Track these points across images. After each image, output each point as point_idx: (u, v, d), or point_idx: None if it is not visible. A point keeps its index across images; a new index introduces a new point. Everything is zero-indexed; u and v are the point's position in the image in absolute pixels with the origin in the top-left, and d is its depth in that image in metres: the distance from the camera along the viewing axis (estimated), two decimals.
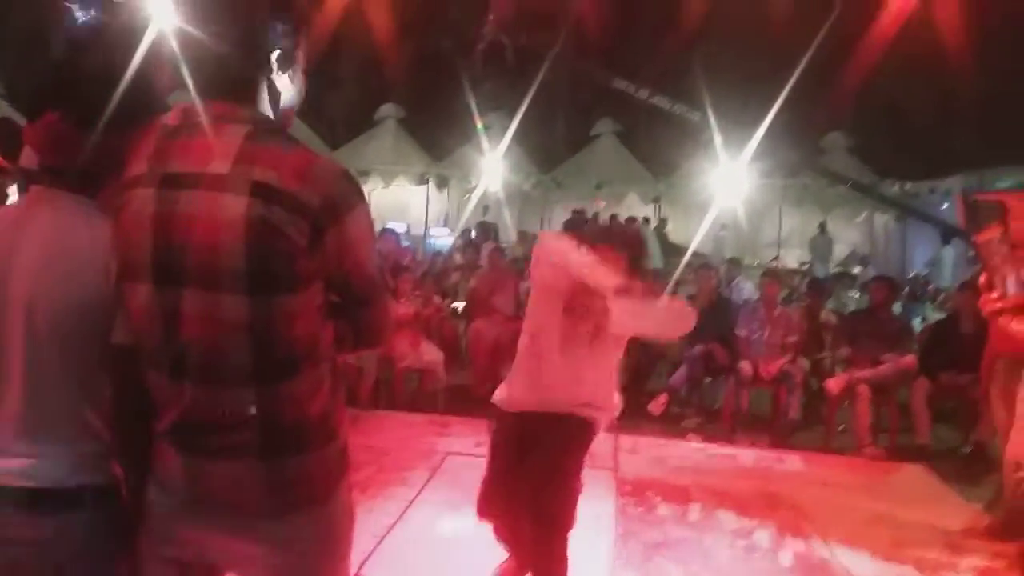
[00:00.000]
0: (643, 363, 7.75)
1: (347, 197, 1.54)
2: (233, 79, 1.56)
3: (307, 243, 1.48)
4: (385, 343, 1.76)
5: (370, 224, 1.63)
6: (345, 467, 1.70)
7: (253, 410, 1.52)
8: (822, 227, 16.89)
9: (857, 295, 11.24)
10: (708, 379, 7.37)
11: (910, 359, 6.62)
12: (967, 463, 6.18)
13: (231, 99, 1.55)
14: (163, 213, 1.49)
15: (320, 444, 1.61)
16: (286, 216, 1.46)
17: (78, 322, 1.56)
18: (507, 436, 3.33)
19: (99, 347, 1.58)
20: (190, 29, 1.53)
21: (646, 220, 16.12)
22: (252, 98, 1.58)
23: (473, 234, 14.60)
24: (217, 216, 1.46)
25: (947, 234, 14.89)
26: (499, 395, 3.40)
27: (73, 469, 1.58)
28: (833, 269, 15.84)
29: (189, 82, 1.55)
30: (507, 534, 3.40)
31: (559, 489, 3.13)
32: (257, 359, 1.50)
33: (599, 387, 3.26)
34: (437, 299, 7.72)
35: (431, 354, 6.95)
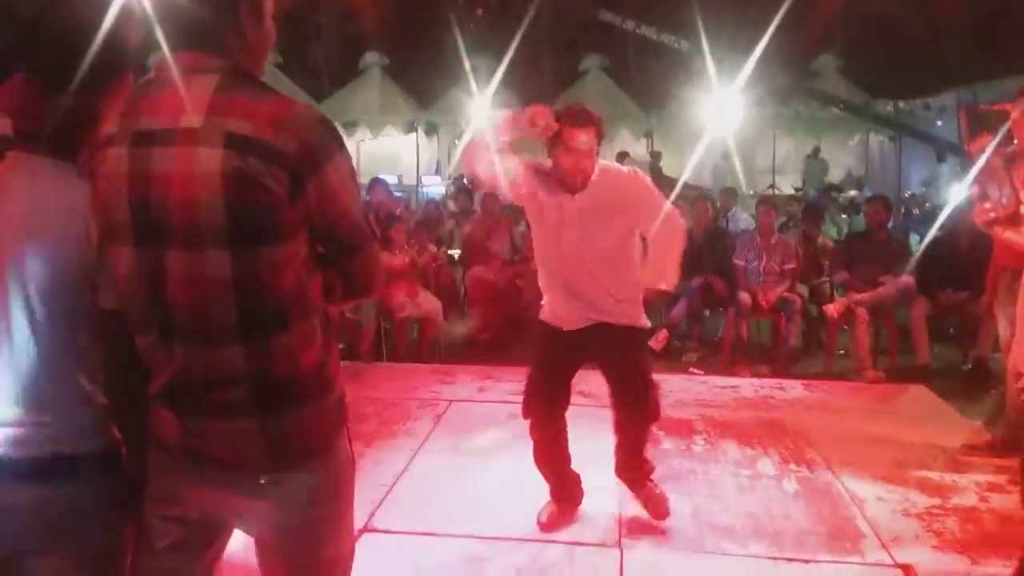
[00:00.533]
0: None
1: (326, 144, 1.51)
2: (199, 27, 1.51)
3: (287, 193, 1.45)
4: (375, 291, 1.74)
5: (351, 170, 1.59)
6: (343, 419, 1.70)
7: (243, 367, 1.51)
8: (815, 151, 16.78)
9: (848, 218, 11.22)
10: (707, 311, 7.39)
11: (907, 279, 6.61)
12: (967, 380, 6.23)
13: (199, 48, 1.51)
14: (138, 172, 1.47)
15: (316, 396, 1.60)
16: (263, 167, 1.43)
17: (63, 287, 1.54)
18: (558, 349, 3.57)
19: (87, 311, 1.56)
20: None
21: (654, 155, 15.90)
22: (220, 46, 1.53)
23: (465, 180, 14.49)
24: (193, 171, 1.43)
25: (942, 151, 14.82)
26: (547, 315, 3.58)
27: (70, 436, 1.57)
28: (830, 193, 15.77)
29: (157, 34, 1.52)
30: (546, 449, 3.70)
31: (648, 387, 3.63)
32: (245, 314, 1.49)
33: (623, 289, 3.46)
34: (432, 247, 7.70)
35: (429, 303, 6.95)
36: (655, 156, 16.54)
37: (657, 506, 3.76)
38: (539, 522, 3.71)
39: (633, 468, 3.81)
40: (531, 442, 3.67)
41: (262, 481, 1.58)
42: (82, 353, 1.57)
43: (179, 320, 1.50)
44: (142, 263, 1.48)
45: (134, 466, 1.63)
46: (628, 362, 3.61)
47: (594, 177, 3.35)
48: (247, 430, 1.55)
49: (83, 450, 1.58)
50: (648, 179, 3.48)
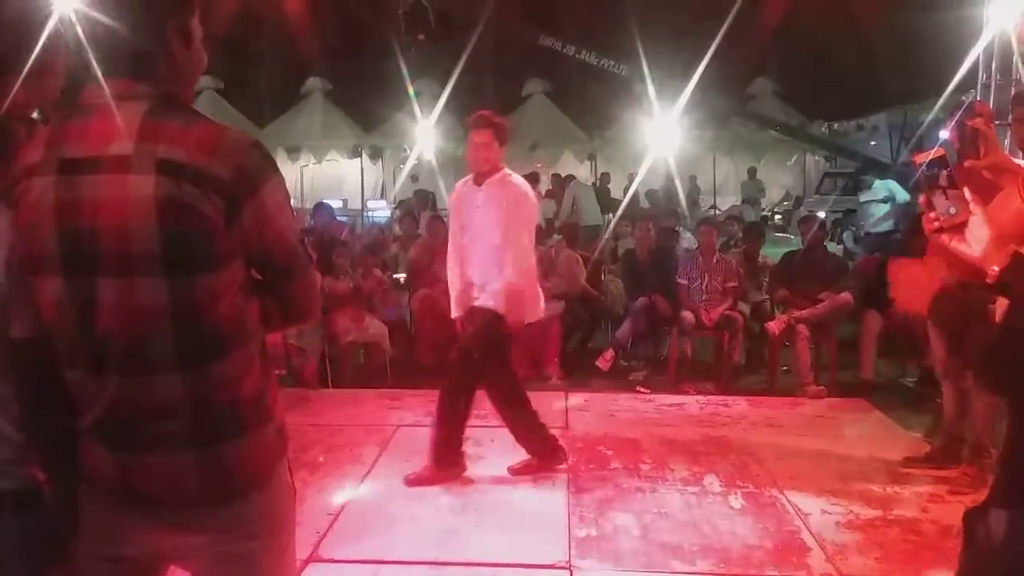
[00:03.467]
0: (587, 321, 7.80)
1: (260, 168, 1.49)
2: (126, 54, 1.48)
3: (223, 218, 1.43)
4: (313, 316, 1.72)
5: (286, 194, 1.58)
6: (283, 448, 1.66)
7: (181, 397, 1.47)
8: (751, 172, 17.13)
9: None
10: (652, 331, 7.45)
11: (846, 296, 6.75)
12: (907, 394, 6.36)
13: (127, 76, 1.48)
14: (65, 201, 1.42)
15: (255, 426, 1.57)
16: (197, 192, 1.40)
17: None
18: None
19: None
20: (80, 6, 1.45)
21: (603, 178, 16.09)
22: (149, 73, 1.49)
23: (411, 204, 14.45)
24: (124, 198, 1.40)
25: (874, 170, 15.20)
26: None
27: None
28: (765, 212, 16.11)
29: (87, 60, 1.48)
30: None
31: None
32: (182, 343, 1.45)
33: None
34: (377, 272, 7.63)
35: (375, 327, 6.89)
36: (604, 179, 16.73)
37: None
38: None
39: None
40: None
41: (201, 515, 1.53)
42: None
43: (111, 351, 1.45)
44: (70, 293, 1.44)
45: (60, 505, 1.56)
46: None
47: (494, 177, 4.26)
48: (183, 463, 1.50)
49: None
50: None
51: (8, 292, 1.48)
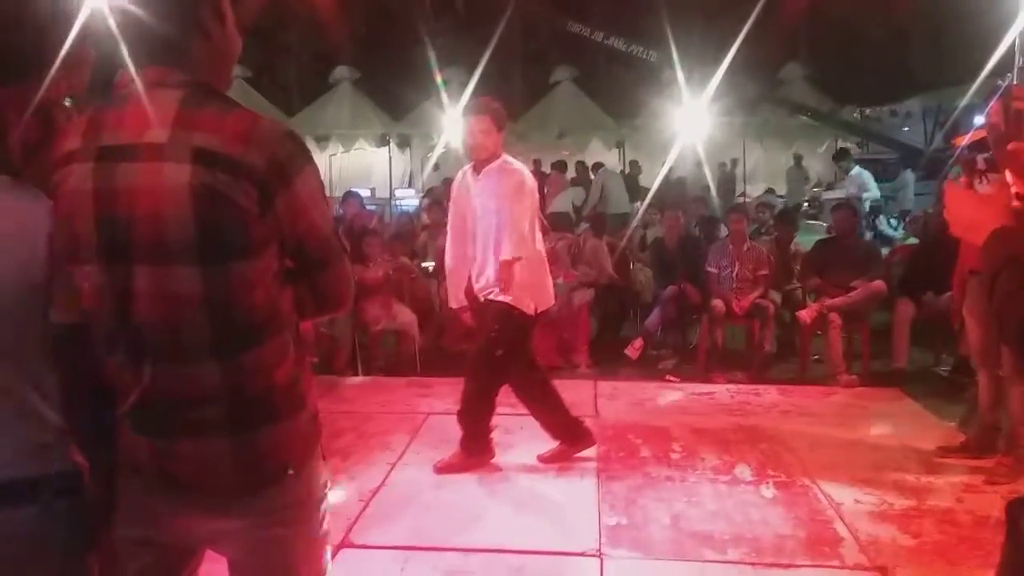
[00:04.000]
0: (617, 309, 7.78)
1: (294, 158, 1.49)
2: (162, 42, 1.48)
3: (257, 207, 1.43)
4: (346, 306, 1.73)
5: (320, 184, 1.58)
6: (317, 435, 1.67)
7: (218, 384, 1.48)
8: (798, 160, 16.89)
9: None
10: (681, 319, 7.41)
11: (879, 284, 6.66)
12: (941, 383, 6.28)
13: (163, 63, 1.49)
14: (103, 188, 1.44)
15: (289, 413, 1.58)
16: (232, 181, 1.41)
17: (11, 304, 1.48)
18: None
19: (38, 329, 1.51)
20: None
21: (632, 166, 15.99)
22: (186, 61, 1.50)
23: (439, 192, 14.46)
24: (160, 187, 1.41)
25: (908, 157, 14.99)
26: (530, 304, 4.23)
27: (24, 459, 1.50)
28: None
29: (120, 49, 1.48)
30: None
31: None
32: (217, 331, 1.46)
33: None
34: (406, 260, 7.65)
35: (404, 316, 6.91)
36: (633, 166, 16.61)
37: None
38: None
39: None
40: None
41: (235, 501, 1.55)
42: (34, 372, 1.52)
43: (148, 338, 1.46)
44: (108, 280, 1.45)
45: (99, 489, 1.58)
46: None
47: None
48: (219, 449, 1.51)
49: (39, 473, 1.51)
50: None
51: (49, 279, 1.50)
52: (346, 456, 4.66)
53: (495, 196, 4.17)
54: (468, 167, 4.38)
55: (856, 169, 12.54)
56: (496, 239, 4.16)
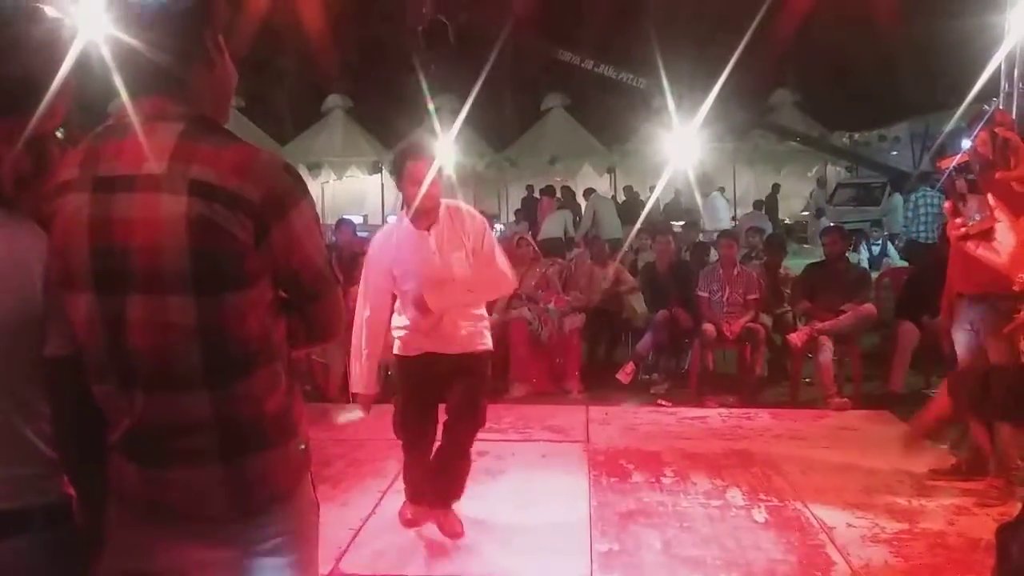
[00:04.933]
0: (609, 334, 7.79)
1: (290, 191, 1.51)
2: (163, 73, 1.50)
3: (252, 239, 1.45)
4: (337, 336, 1.74)
5: (315, 217, 1.60)
6: (307, 463, 1.68)
7: (209, 413, 1.49)
8: (775, 189, 17.03)
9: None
10: (673, 344, 7.42)
11: (869, 307, 6.70)
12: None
13: (162, 95, 1.50)
14: (99, 218, 1.45)
15: (280, 442, 1.58)
16: (228, 213, 1.42)
17: (4, 334, 1.49)
18: None
19: (31, 360, 1.52)
20: (113, 28, 1.47)
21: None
22: (185, 92, 1.52)
23: None
24: (156, 217, 1.42)
25: (897, 180, 15.10)
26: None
27: (15, 490, 1.51)
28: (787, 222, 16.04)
29: (118, 79, 1.50)
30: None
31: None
32: (209, 361, 1.47)
33: None
34: None
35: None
36: (628, 191, 16.69)
37: (452, 527, 3.84)
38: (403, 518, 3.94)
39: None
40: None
41: (226, 529, 1.55)
42: (26, 403, 1.53)
43: (140, 367, 1.47)
44: (102, 310, 1.46)
45: (89, 520, 1.58)
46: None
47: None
48: (210, 478, 1.52)
49: (29, 505, 1.51)
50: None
51: (44, 309, 1.51)
52: (337, 483, 4.64)
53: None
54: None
55: (713, 194, 12.71)
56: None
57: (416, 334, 3.74)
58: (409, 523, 3.92)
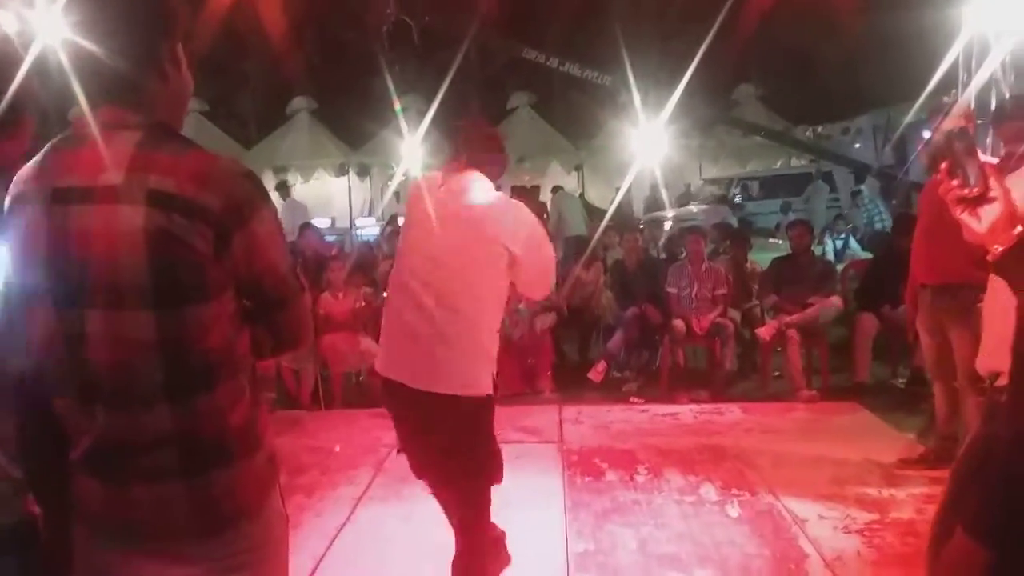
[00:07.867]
0: (579, 332, 7.81)
1: (251, 199, 1.49)
2: (120, 82, 1.48)
3: (213, 250, 1.43)
4: (305, 344, 1.72)
5: (278, 224, 1.58)
6: (274, 475, 1.66)
7: (170, 428, 1.47)
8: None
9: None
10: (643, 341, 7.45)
11: (835, 299, 6.78)
12: (899, 395, 6.37)
13: (120, 103, 1.48)
14: (56, 230, 1.42)
15: (245, 455, 1.56)
16: (187, 223, 1.40)
17: None
18: None
19: None
20: (71, 34, 1.45)
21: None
22: (143, 101, 1.50)
23: (400, 221, 14.42)
24: (114, 229, 1.40)
25: (860, 173, 15.27)
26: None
27: None
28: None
29: (76, 89, 1.47)
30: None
31: None
32: (171, 376, 1.45)
33: None
34: (367, 290, 7.61)
35: (368, 347, 6.86)
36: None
37: None
38: None
39: None
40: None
41: (192, 546, 1.53)
42: None
43: (101, 382, 1.45)
44: (60, 324, 1.44)
45: (54, 539, 1.56)
46: None
47: None
48: (174, 494, 1.50)
49: None
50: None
51: (3, 325, 1.48)
52: (310, 492, 4.60)
53: None
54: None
55: None
56: None
57: None
58: None
